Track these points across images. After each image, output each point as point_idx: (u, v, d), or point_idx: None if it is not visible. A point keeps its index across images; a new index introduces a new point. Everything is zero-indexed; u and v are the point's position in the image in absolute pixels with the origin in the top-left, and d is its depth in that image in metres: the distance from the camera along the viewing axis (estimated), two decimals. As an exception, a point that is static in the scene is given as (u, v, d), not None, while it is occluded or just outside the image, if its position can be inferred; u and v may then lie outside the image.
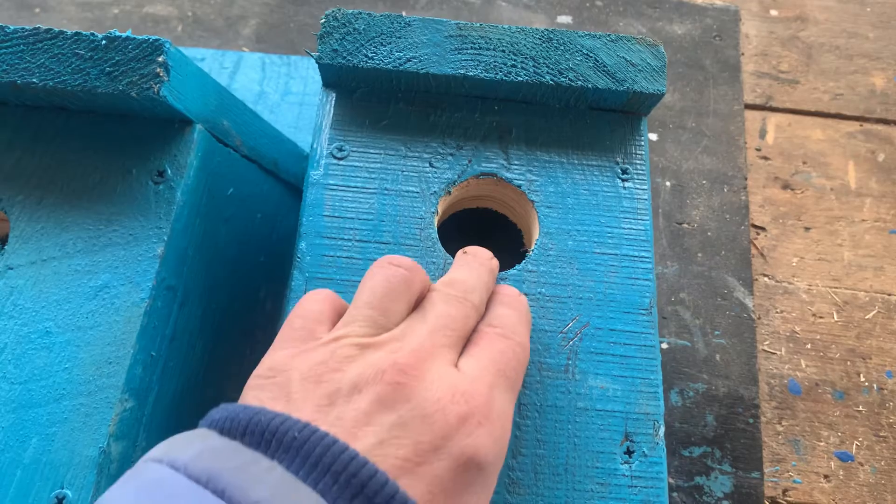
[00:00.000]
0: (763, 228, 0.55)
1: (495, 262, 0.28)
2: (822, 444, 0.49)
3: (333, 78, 0.33)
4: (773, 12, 0.63)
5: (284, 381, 0.21)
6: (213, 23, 0.59)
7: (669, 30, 0.60)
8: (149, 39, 0.29)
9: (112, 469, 0.27)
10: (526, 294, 0.30)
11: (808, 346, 0.52)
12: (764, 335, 0.52)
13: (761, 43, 0.61)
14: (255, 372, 0.22)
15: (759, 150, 0.58)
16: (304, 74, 0.53)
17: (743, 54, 0.61)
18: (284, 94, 0.52)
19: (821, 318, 0.53)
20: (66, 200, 0.31)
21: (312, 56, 0.32)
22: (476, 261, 0.27)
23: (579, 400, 0.29)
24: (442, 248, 0.31)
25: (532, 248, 0.31)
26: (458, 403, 0.20)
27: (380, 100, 0.34)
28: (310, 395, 0.20)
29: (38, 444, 0.27)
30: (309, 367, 0.21)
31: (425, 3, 0.61)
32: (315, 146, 0.33)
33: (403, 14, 0.60)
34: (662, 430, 0.29)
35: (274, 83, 0.52)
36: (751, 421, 0.49)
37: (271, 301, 0.44)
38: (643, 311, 0.30)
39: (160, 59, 0.29)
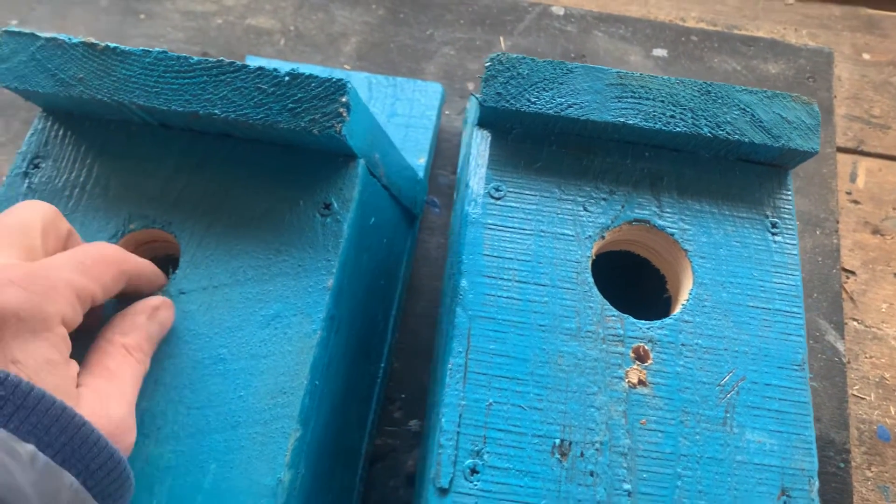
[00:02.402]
0: (853, 272, 0.55)
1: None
2: (910, 492, 0.49)
3: (490, 118, 0.34)
4: (866, 56, 0.63)
5: None
6: (315, 38, 0.60)
7: (763, 69, 0.61)
8: (332, 78, 0.30)
9: (283, 498, 0.28)
10: (683, 344, 0.31)
11: (897, 392, 0.52)
12: (854, 380, 0.52)
13: (853, 86, 0.62)
14: None
15: (849, 193, 0.58)
16: (410, 97, 0.54)
17: (835, 97, 0.61)
18: (391, 115, 0.53)
19: (909, 365, 0.53)
20: (234, 228, 0.32)
21: (478, 98, 0.33)
22: None
23: (738, 453, 0.29)
24: (598, 293, 0.31)
25: (685, 297, 0.32)
26: None
27: (534, 141, 0.34)
28: None
29: (217, 471, 0.28)
30: None
31: (523, 30, 0.61)
32: (471, 184, 0.33)
33: (501, 39, 0.61)
34: (817, 486, 0.29)
35: (380, 104, 0.53)
36: (841, 465, 0.49)
37: (384, 321, 0.45)
38: (796, 367, 0.31)
39: (343, 99, 0.30)
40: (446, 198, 0.55)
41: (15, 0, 0.62)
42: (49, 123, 0.34)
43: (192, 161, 0.33)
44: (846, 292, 0.55)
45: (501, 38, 0.61)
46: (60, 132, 0.34)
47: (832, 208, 0.57)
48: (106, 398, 0.24)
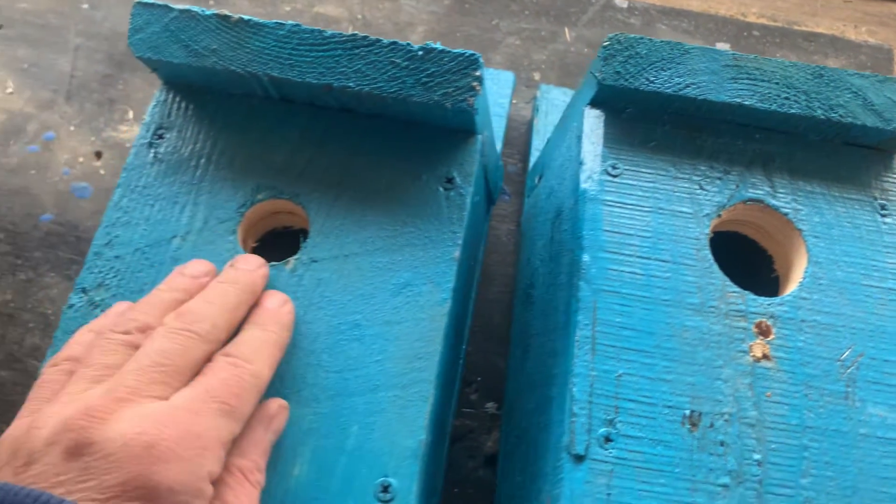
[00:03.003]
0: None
1: (258, 274, 0.29)
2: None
3: (604, 97, 0.35)
4: (925, 53, 0.64)
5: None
6: (382, 27, 0.61)
7: (824, 64, 0.62)
8: (464, 53, 0.31)
9: (423, 460, 0.28)
10: (803, 321, 0.31)
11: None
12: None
13: (913, 82, 0.62)
14: None
15: (911, 187, 0.59)
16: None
17: None
18: (465, 102, 0.53)
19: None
20: (360, 199, 0.32)
21: (596, 77, 0.33)
22: (227, 282, 0.28)
23: (861, 427, 0.30)
24: (719, 270, 0.32)
25: (799, 275, 0.33)
26: (147, 434, 0.21)
27: (647, 121, 0.35)
28: (8, 462, 0.22)
29: (359, 433, 0.28)
30: (13, 435, 0.23)
31: (587, 22, 0.62)
32: (584, 161, 0.34)
33: (566, 30, 0.62)
34: (938, 460, 0.30)
35: (455, 91, 0.54)
36: None
37: (468, 302, 0.46)
38: (913, 345, 0.31)
39: (476, 73, 0.30)
40: (515, 185, 0.56)
41: (84, -17, 0.62)
42: (171, 96, 0.34)
43: (314, 135, 0.33)
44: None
45: (566, 29, 0.62)
46: (183, 104, 0.34)
47: (895, 202, 0.57)
48: None
